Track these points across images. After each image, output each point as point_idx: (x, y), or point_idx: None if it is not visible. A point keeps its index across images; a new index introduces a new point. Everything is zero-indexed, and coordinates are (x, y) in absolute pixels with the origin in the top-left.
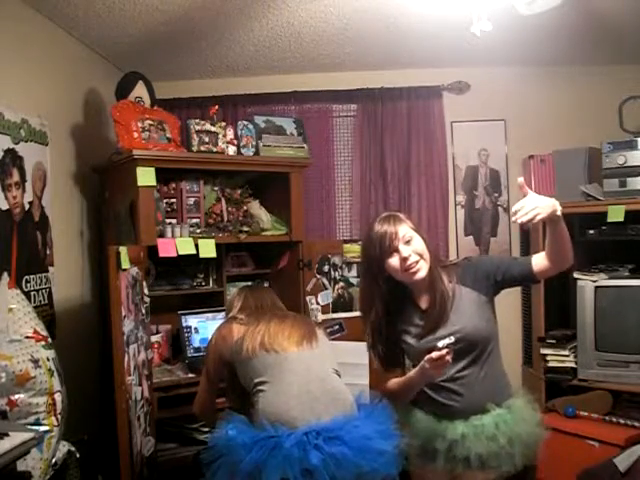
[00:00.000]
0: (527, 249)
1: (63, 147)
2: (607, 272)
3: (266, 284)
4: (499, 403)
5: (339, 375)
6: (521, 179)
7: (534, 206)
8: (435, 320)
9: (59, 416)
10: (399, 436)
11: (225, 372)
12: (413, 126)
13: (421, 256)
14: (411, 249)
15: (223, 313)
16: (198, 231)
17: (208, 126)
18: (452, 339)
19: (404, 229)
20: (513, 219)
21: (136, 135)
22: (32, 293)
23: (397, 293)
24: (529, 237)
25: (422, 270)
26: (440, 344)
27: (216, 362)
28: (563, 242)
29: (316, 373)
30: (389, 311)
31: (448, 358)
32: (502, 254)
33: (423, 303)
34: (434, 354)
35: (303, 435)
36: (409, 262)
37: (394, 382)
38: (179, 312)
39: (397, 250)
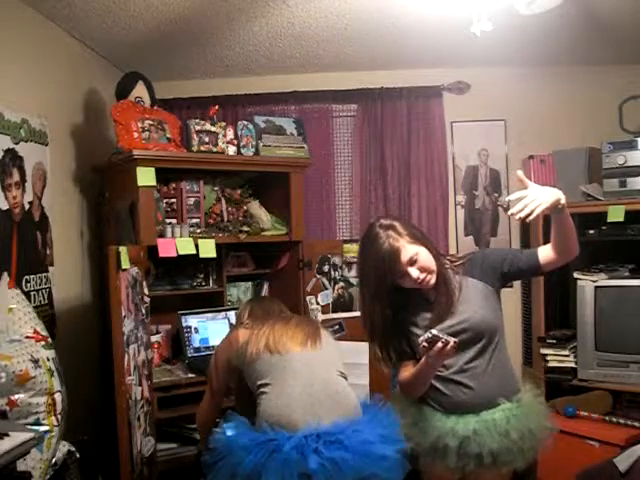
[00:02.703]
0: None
1: (63, 147)
2: (607, 272)
3: (266, 284)
4: (508, 397)
5: (345, 377)
6: (520, 172)
7: (533, 198)
8: (442, 311)
9: (59, 416)
10: (403, 441)
11: (232, 380)
12: (413, 126)
13: (428, 269)
14: (417, 268)
15: (223, 313)
16: (198, 231)
17: (208, 126)
18: (431, 333)
19: (406, 250)
20: (509, 213)
21: (136, 135)
22: (32, 293)
23: (402, 290)
24: (529, 237)
25: (432, 280)
26: (420, 339)
27: (222, 370)
28: (569, 232)
29: (319, 375)
30: (396, 308)
31: (447, 348)
32: (509, 247)
33: (430, 295)
34: (420, 339)
35: (303, 438)
36: (419, 280)
37: (408, 374)
38: (179, 312)
39: (406, 273)
